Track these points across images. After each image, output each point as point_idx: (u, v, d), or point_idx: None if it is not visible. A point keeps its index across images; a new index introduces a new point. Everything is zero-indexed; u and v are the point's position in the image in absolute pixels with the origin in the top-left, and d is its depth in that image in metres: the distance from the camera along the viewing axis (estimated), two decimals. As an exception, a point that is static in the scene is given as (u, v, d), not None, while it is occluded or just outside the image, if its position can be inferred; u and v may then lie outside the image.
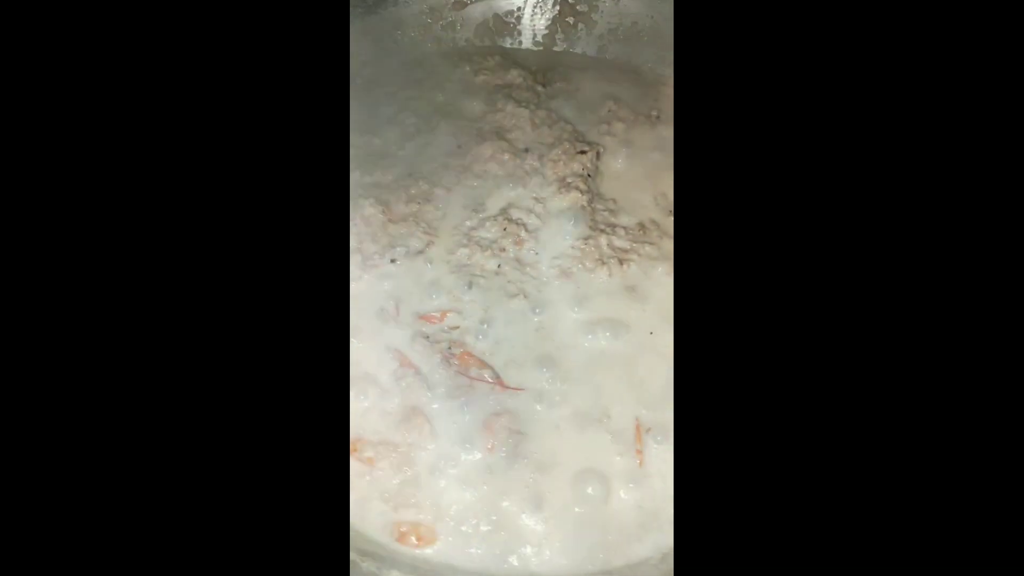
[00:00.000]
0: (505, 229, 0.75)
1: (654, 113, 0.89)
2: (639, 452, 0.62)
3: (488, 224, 0.76)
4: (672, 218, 0.78)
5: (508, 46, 0.97)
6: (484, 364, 0.67)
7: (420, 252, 0.73)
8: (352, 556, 0.56)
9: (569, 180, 0.80)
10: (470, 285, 0.71)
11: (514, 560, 0.58)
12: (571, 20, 0.96)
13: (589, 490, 0.60)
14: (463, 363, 0.67)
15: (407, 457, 0.61)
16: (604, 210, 0.79)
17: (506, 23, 0.97)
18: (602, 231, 0.76)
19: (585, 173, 0.81)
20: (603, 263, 0.73)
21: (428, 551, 0.58)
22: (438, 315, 0.69)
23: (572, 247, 0.75)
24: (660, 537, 0.59)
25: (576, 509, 0.60)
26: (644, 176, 0.83)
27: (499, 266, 0.73)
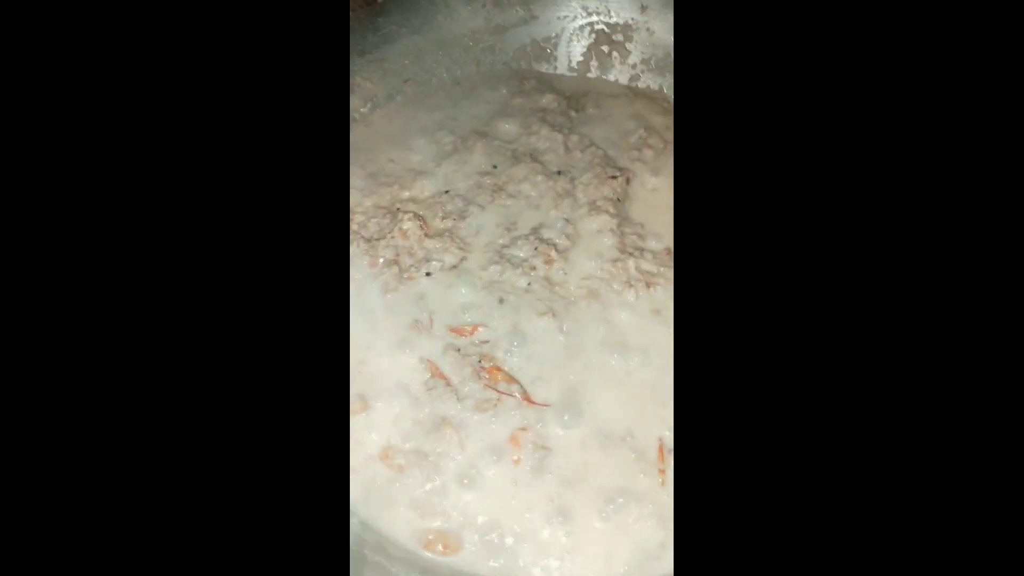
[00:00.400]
0: (536, 248, 0.77)
1: (684, 142, 0.91)
2: (661, 471, 0.64)
3: (519, 243, 0.78)
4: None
5: (544, 71, 1.00)
6: (512, 379, 0.68)
7: (454, 267, 0.76)
8: (380, 560, 0.58)
9: (599, 203, 0.82)
10: (501, 301, 0.73)
11: (537, 572, 0.59)
12: (606, 48, 0.99)
13: (611, 506, 0.62)
14: (492, 377, 0.68)
15: (436, 466, 0.63)
16: (632, 234, 0.81)
17: (543, 49, 0.99)
18: (630, 254, 0.78)
19: (615, 197, 0.83)
20: (630, 285, 0.75)
21: (454, 559, 0.60)
22: (469, 329, 0.71)
23: (600, 268, 0.77)
24: (680, 557, 0.61)
25: (598, 524, 0.61)
26: (671, 202, 0.85)
27: (529, 284, 0.75)
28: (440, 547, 0.60)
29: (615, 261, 0.77)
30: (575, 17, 0.98)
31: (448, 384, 0.68)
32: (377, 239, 0.77)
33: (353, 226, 0.78)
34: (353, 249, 0.76)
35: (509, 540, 0.60)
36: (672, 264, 0.78)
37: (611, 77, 1.00)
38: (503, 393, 0.67)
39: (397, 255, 0.76)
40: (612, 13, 0.98)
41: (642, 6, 0.97)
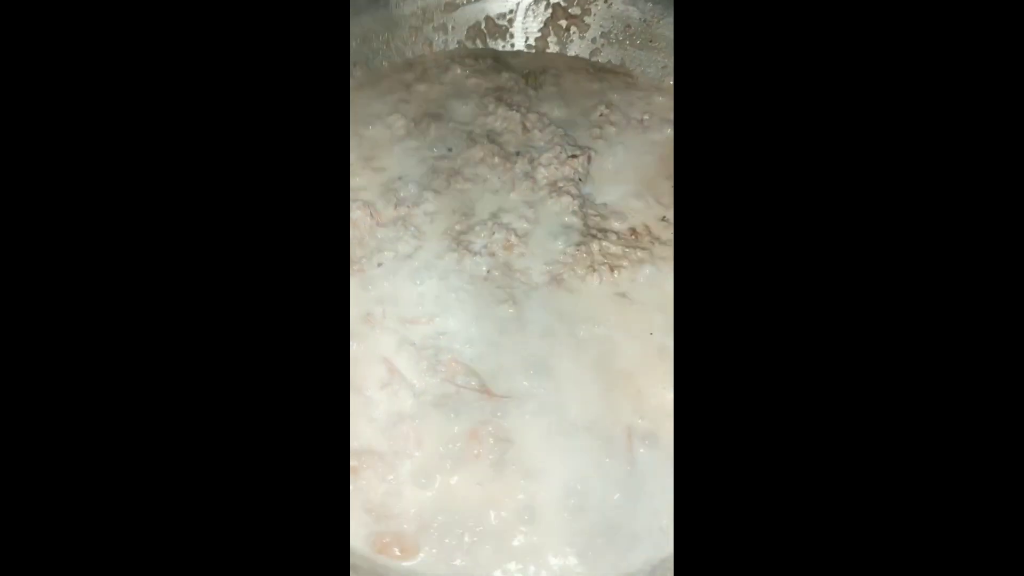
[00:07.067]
0: (495, 234, 0.74)
1: (645, 117, 0.88)
2: (630, 461, 0.61)
3: (477, 229, 0.75)
4: (664, 223, 0.78)
5: (500, 49, 0.96)
6: (471, 371, 0.65)
7: (408, 256, 0.72)
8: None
9: (560, 184, 0.79)
10: (458, 291, 0.70)
11: (499, 573, 0.57)
12: (564, 23, 0.96)
13: (577, 499, 0.59)
14: (450, 370, 0.65)
15: (391, 466, 0.60)
16: (595, 215, 0.78)
17: (498, 26, 0.96)
18: (594, 236, 0.75)
19: (576, 177, 0.80)
20: (594, 269, 0.72)
21: (411, 563, 0.57)
22: (425, 320, 0.68)
23: (563, 253, 0.74)
24: (650, 548, 0.58)
25: (564, 518, 0.59)
26: (636, 181, 0.82)
27: (488, 272, 0.72)
28: (396, 551, 0.57)
29: (578, 245, 0.74)
30: (530, -9, 0.95)
31: (403, 380, 0.65)
32: (326, 230, 0.73)
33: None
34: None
35: (469, 540, 0.58)
36: (637, 245, 0.75)
37: (570, 52, 0.97)
38: (461, 387, 0.64)
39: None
40: (569, -15, 0.95)
41: (599, -23, 0.94)
